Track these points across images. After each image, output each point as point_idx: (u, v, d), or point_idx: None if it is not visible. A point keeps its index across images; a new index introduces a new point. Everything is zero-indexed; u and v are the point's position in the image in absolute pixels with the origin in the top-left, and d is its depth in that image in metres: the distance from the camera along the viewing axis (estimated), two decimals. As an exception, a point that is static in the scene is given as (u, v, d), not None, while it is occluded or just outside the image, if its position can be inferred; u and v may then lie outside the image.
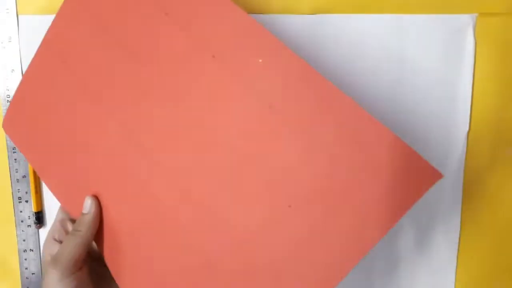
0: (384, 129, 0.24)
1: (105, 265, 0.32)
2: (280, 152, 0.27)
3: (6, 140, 0.39)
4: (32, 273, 0.40)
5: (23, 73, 0.37)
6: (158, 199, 0.30)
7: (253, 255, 0.27)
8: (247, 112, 0.28)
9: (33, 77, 0.36)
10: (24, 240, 0.40)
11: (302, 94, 0.26)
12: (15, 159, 0.39)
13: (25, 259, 0.40)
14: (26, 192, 0.39)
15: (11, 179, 0.39)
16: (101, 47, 0.32)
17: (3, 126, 0.37)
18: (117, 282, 0.31)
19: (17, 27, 0.38)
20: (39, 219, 0.39)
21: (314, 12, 0.34)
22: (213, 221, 0.28)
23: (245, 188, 0.27)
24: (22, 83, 0.36)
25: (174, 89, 0.30)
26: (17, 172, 0.39)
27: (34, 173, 0.39)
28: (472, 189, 0.35)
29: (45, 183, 0.36)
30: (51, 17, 0.34)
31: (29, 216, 0.39)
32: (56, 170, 0.34)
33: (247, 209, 0.27)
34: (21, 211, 0.39)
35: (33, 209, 0.39)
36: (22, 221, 0.40)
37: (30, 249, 0.40)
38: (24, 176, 0.39)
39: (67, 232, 0.33)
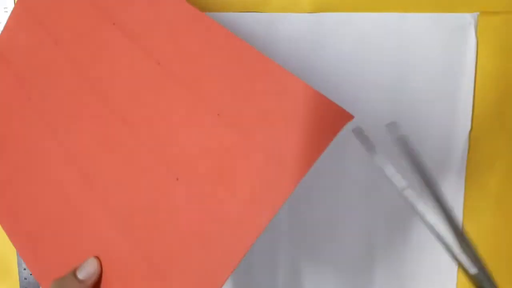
0: (291, 77, 0.22)
1: None
2: (167, 112, 0.25)
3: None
4: (31, 274, 0.40)
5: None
6: (46, 164, 0.30)
7: (141, 237, 0.25)
8: (134, 70, 0.27)
9: None
10: (22, 241, 0.40)
11: (190, 44, 0.25)
12: (14, 159, 0.39)
13: (24, 260, 0.40)
14: (25, 192, 0.39)
15: (9, 179, 0.39)
16: (43, 48, 0.32)
17: None
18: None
19: (15, 26, 0.37)
20: (38, 219, 0.39)
21: (314, 10, 0.34)
22: (98, 197, 0.27)
23: (132, 159, 0.25)
24: None
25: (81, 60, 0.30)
26: (15, 172, 0.39)
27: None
28: (474, 188, 0.34)
29: None
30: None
31: (27, 217, 0.39)
32: None
33: (135, 185, 0.25)
34: (19, 211, 0.39)
35: (32, 209, 0.39)
36: (20, 222, 0.39)
37: (29, 250, 0.40)
38: (22, 176, 0.39)
39: None
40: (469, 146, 0.34)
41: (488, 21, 0.33)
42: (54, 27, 0.32)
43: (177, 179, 0.24)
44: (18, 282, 0.40)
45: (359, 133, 0.21)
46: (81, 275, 0.26)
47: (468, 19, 0.33)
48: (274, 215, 0.21)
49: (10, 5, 0.37)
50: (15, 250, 0.40)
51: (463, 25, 0.33)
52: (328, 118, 0.22)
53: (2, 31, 0.36)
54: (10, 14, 0.35)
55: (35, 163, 0.31)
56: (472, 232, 0.35)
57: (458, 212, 0.35)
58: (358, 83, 0.34)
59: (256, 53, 0.24)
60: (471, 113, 0.34)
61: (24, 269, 0.40)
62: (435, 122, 0.34)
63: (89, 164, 0.28)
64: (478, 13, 0.33)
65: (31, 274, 0.40)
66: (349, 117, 0.21)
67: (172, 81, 0.25)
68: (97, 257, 0.27)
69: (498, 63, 0.33)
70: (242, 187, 0.22)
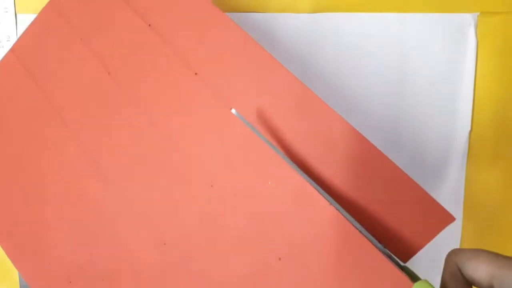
0: (396, 168, 0.21)
1: None
2: (268, 189, 0.22)
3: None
4: (31, 274, 0.40)
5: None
6: (124, 242, 0.26)
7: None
8: (226, 137, 0.24)
9: None
10: (22, 241, 0.39)
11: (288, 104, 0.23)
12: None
13: (24, 260, 0.40)
14: (25, 193, 0.39)
15: (9, 180, 0.39)
16: (74, 59, 0.29)
17: None
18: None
19: (15, 26, 0.37)
20: (38, 219, 0.39)
21: (314, 11, 0.34)
22: (187, 273, 0.24)
23: (225, 234, 0.23)
24: None
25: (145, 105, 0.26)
26: (15, 172, 0.39)
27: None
28: (474, 188, 0.34)
29: None
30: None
31: (27, 217, 0.39)
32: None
33: (228, 262, 0.22)
34: (19, 212, 0.39)
35: (32, 209, 0.39)
36: (20, 222, 0.39)
37: (29, 250, 0.40)
38: (22, 177, 0.39)
39: None
40: (469, 146, 0.34)
41: (488, 21, 0.33)
42: (88, 32, 0.29)
43: (280, 259, 0.22)
44: (18, 282, 0.40)
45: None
46: None
47: (468, 19, 0.33)
48: None
49: (11, 5, 0.37)
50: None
51: (463, 25, 0.33)
52: (431, 219, 0.21)
53: (21, 38, 0.32)
54: (36, 17, 0.31)
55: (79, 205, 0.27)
56: (472, 232, 0.35)
57: (458, 212, 0.35)
58: (358, 83, 0.34)
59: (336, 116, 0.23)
60: (471, 113, 0.34)
61: (24, 269, 0.40)
62: (435, 122, 0.34)
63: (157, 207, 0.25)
64: (478, 13, 0.33)
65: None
66: (451, 219, 0.21)
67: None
68: None
69: (498, 63, 0.33)
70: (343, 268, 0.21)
